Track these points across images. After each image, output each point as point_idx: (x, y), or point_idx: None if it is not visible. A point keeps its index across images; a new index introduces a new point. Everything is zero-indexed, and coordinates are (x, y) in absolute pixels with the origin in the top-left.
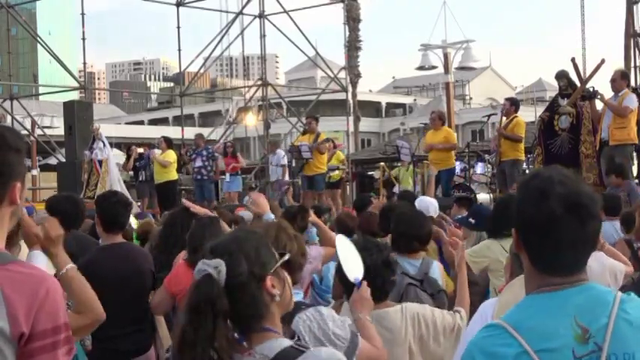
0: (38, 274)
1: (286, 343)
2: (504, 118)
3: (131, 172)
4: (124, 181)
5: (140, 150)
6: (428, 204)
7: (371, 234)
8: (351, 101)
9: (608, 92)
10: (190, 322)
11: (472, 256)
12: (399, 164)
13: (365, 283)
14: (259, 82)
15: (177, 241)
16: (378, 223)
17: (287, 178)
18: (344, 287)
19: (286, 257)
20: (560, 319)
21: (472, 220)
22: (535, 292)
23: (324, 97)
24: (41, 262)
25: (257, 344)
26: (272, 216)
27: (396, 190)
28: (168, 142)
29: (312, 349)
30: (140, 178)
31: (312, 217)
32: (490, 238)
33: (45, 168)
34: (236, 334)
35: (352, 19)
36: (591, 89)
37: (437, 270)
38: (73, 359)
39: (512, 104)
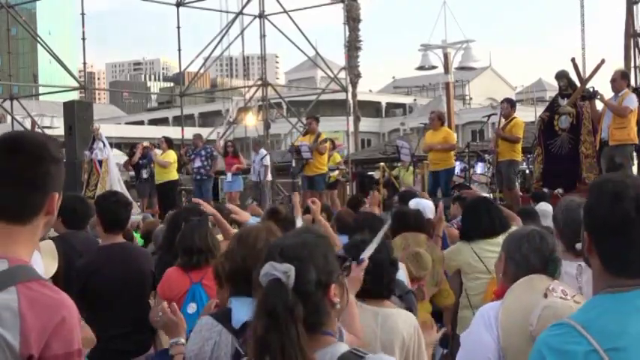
0: (57, 298)
1: (344, 348)
2: (503, 120)
3: (132, 172)
4: (124, 181)
5: (145, 143)
6: (424, 206)
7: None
8: (351, 101)
9: (608, 92)
10: (270, 328)
11: (447, 257)
12: (399, 164)
13: (365, 263)
14: (259, 82)
15: None
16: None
17: (269, 177)
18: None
19: (348, 263)
20: (628, 319)
21: None
22: (603, 292)
23: (324, 97)
24: (37, 261)
25: (316, 349)
26: (256, 219)
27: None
28: (169, 143)
29: (370, 355)
30: (142, 176)
31: (318, 216)
32: (462, 240)
33: None
34: None
35: (352, 19)
36: (591, 89)
37: (402, 271)
38: None
39: (512, 106)
